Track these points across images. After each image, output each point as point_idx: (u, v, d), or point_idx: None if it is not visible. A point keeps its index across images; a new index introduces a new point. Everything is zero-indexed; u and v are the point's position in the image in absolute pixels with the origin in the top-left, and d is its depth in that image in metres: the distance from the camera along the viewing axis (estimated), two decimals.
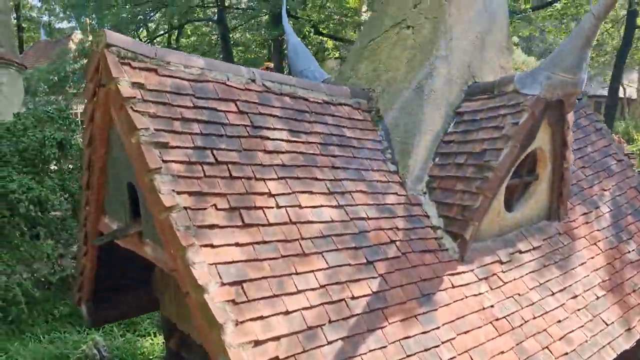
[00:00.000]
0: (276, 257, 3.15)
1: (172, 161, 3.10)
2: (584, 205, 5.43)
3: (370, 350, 3.10)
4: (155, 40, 28.27)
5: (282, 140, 3.77)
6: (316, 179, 3.74)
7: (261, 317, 2.86)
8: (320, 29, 17.89)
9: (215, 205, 3.11)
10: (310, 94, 4.29)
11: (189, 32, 30.92)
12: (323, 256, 3.35)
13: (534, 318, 4.11)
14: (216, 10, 22.03)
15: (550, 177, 4.76)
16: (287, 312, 2.97)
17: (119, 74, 3.17)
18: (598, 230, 5.29)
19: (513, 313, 4.03)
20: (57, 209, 8.88)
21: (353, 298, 3.28)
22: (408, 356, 3.22)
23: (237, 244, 3.05)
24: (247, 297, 2.88)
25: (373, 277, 3.48)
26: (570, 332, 4.17)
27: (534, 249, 4.64)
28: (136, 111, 3.12)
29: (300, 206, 3.50)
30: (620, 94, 25.85)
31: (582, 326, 4.33)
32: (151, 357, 7.95)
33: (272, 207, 3.36)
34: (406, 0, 4.81)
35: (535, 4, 17.77)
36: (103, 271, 4.69)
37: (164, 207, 2.89)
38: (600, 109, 27.74)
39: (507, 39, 5.07)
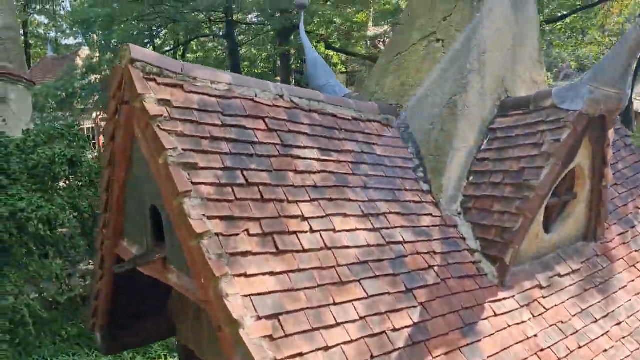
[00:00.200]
0: (313, 287, 2.92)
1: (202, 183, 2.89)
2: (619, 225, 5.19)
3: None
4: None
5: (313, 159, 3.57)
6: (349, 200, 3.53)
7: (300, 354, 2.62)
8: (331, 44, 17.83)
9: (247, 230, 2.90)
10: (339, 110, 4.09)
11: (194, 48, 31.03)
12: (361, 284, 3.12)
13: (579, 347, 3.85)
14: (222, 26, 22.12)
15: (589, 196, 4.53)
16: (327, 348, 2.73)
17: (145, 90, 2.98)
18: (636, 251, 5.04)
19: (557, 342, 3.78)
20: (66, 226, 8.67)
21: (394, 330, 3.04)
22: None
23: (271, 273, 2.82)
24: (284, 331, 2.65)
25: (413, 307, 3.24)
26: None
27: (573, 272, 4.40)
28: (163, 130, 2.93)
29: (334, 230, 3.28)
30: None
31: (629, 355, 4.07)
32: None
33: (306, 232, 3.14)
34: (435, 12, 4.64)
35: (546, 17, 17.70)
36: (119, 295, 4.47)
37: (195, 233, 2.67)
38: None
39: (539, 52, 4.88)
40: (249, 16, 23.12)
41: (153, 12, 12.22)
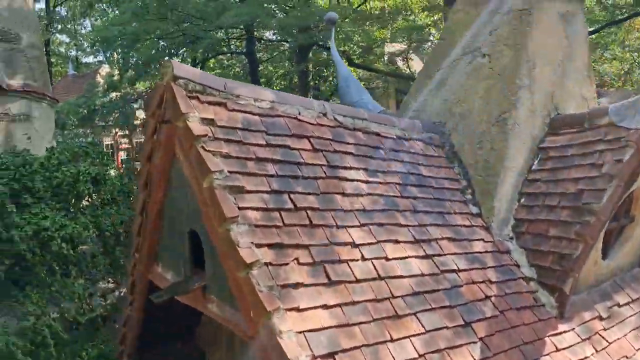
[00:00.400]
0: (368, 321, 2.68)
1: (249, 208, 2.69)
2: None
3: None
4: None
5: (360, 181, 3.36)
6: (400, 225, 3.30)
7: None
8: (355, 60, 17.72)
9: (297, 259, 2.68)
10: (383, 129, 3.89)
11: (211, 65, 31.26)
12: (417, 317, 2.88)
13: None
14: (240, 43, 22.16)
15: None
16: None
17: (188, 109, 2.81)
18: None
19: None
20: (88, 245, 8.53)
21: None
22: None
23: (325, 306, 2.60)
24: None
25: (473, 342, 2.98)
26: None
27: (632, 301, 4.10)
28: (208, 151, 2.74)
29: (387, 258, 3.05)
30: None
31: None
32: None
33: (358, 260, 2.92)
34: (479, 27, 4.44)
35: None
36: (147, 318, 4.26)
37: (244, 263, 2.46)
38: None
39: (588, 67, 4.64)
40: (267, 33, 23.22)
41: (177, 30, 12.24)
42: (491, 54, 4.29)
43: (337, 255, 2.85)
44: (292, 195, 2.92)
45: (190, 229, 3.15)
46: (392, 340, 2.69)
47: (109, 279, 10.33)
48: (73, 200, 8.61)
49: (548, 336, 3.37)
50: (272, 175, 2.93)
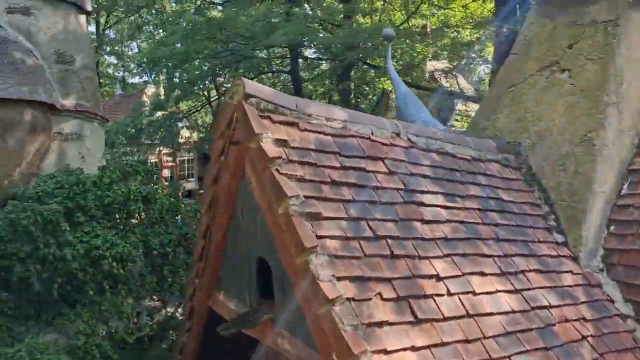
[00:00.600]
0: None
1: (327, 237, 2.48)
2: None
3: None
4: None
5: (439, 206, 3.10)
6: (484, 255, 3.01)
7: None
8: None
9: (380, 294, 2.44)
10: (458, 150, 3.63)
11: None
12: None
13: None
14: (279, 62, 22.29)
15: None
16: None
17: (262, 129, 2.64)
18: None
19: None
20: (137, 264, 8.51)
21: None
22: None
23: (413, 348, 2.34)
24: None
25: None
26: None
27: None
28: (282, 174, 2.55)
29: (474, 292, 2.76)
30: None
31: None
32: None
33: (443, 295, 2.65)
34: (557, 40, 4.14)
35: None
36: (204, 347, 4.08)
37: (326, 298, 2.24)
38: None
39: None
40: (309, 51, 23.33)
41: (226, 50, 12.36)
42: (572, 69, 3.98)
43: (422, 290, 2.59)
44: (370, 222, 2.69)
45: (258, 256, 2.96)
46: None
47: (154, 297, 10.32)
48: (124, 220, 8.65)
49: None
50: (348, 201, 2.72)
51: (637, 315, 3.33)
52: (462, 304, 2.66)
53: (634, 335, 3.23)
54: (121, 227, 8.65)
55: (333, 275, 2.34)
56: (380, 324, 2.33)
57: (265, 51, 18.28)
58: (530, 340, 2.74)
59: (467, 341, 2.52)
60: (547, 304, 2.99)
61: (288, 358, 2.79)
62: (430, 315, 2.51)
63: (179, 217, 9.76)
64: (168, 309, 9.79)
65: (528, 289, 3.01)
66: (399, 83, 6.02)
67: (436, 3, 21.94)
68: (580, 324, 3.04)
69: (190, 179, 28.56)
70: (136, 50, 39.82)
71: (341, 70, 16.38)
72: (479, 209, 3.29)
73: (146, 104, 21.83)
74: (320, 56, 15.59)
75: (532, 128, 4.09)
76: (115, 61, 40.87)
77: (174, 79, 18.89)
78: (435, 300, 2.59)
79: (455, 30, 21.69)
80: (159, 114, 18.61)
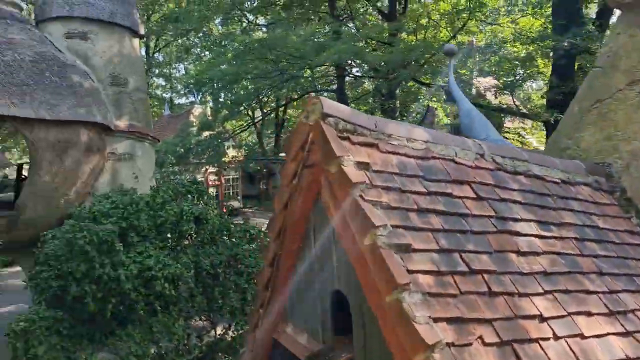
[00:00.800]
0: None
1: (419, 271, 2.22)
2: None
3: None
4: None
5: (534, 235, 2.79)
6: (588, 291, 2.67)
7: None
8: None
9: (481, 338, 2.15)
10: (545, 172, 3.31)
11: (295, 105, 31.89)
12: None
13: None
14: (322, 81, 22.32)
15: None
16: None
17: (343, 151, 2.42)
18: None
19: None
20: (189, 285, 8.44)
21: None
22: None
23: None
24: None
25: None
26: None
27: None
28: (367, 201, 2.32)
29: (582, 335, 2.42)
30: None
31: None
32: None
33: (549, 338, 2.33)
34: None
35: None
36: None
37: (425, 344, 1.97)
38: None
39: None
40: (354, 69, 23.28)
41: (276, 69, 12.40)
42: None
43: (525, 333, 2.28)
44: (463, 255, 2.42)
45: (334, 288, 2.72)
46: None
47: (202, 317, 10.23)
48: (175, 239, 8.63)
49: None
50: (438, 230, 2.45)
51: None
52: (571, 349, 2.33)
53: None
54: (173, 247, 8.63)
55: (429, 317, 2.07)
56: None
57: (309, 71, 18.35)
58: None
59: None
60: None
61: None
62: None
63: (229, 236, 9.67)
64: (217, 331, 9.67)
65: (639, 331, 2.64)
66: (463, 99, 5.72)
67: (484, 19, 21.51)
68: None
69: (236, 198, 28.84)
70: (183, 72, 41.05)
71: (387, 89, 16.19)
72: (575, 239, 2.96)
73: (194, 124, 22.28)
74: (370, 74, 15.40)
75: (624, 147, 3.72)
76: (163, 83, 42.22)
77: (220, 99, 19.20)
78: (541, 345, 2.28)
79: (503, 47, 21.14)
80: (206, 133, 18.90)
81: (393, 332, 2.15)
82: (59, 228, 8.17)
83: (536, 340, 2.28)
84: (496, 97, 21.82)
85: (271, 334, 3.48)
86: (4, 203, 15.44)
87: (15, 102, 11.66)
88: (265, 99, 29.30)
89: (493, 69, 20.18)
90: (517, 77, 17.79)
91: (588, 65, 10.59)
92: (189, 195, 9.11)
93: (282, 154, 33.08)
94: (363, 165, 2.47)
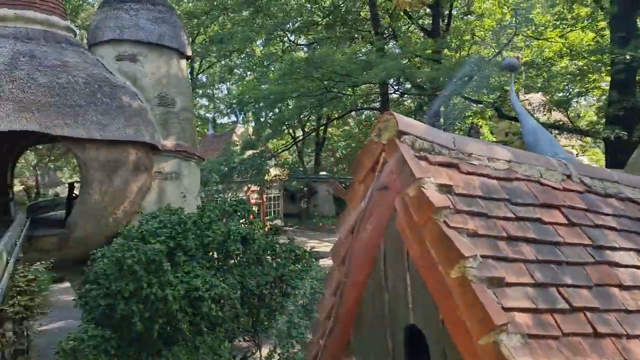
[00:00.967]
0: None
1: (515, 309, 1.95)
2: None
3: None
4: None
5: (635, 267, 2.46)
6: None
7: None
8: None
9: None
10: (637, 193, 2.97)
11: (335, 123, 31.86)
12: None
13: None
14: (360, 99, 22.22)
15: None
16: None
17: (423, 173, 2.20)
18: None
19: None
20: (236, 307, 8.30)
21: None
22: None
23: None
24: None
25: None
26: None
27: None
28: (452, 228, 2.08)
29: None
30: None
31: None
32: None
33: None
34: None
35: None
36: None
37: None
38: None
39: None
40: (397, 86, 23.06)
41: (322, 88, 12.35)
42: None
43: None
44: (561, 289, 2.13)
45: (408, 323, 2.47)
46: None
47: (246, 337, 10.07)
48: (222, 259, 8.55)
49: None
50: (531, 261, 2.18)
51: None
52: None
53: None
54: (219, 267, 8.55)
55: None
56: None
57: (350, 89, 18.31)
58: None
59: None
60: None
61: None
62: None
63: (275, 256, 9.53)
64: (263, 353, 9.48)
65: None
66: (526, 116, 5.38)
67: (530, 34, 20.95)
68: None
69: (277, 216, 28.87)
70: (225, 92, 41.89)
71: (429, 106, 15.90)
72: None
73: (237, 143, 22.52)
74: (413, 91, 15.16)
75: None
76: (206, 103, 43.19)
77: (262, 119, 19.34)
78: None
79: (552, 62, 20.45)
80: (249, 152, 19.05)
81: None
82: (108, 247, 8.23)
83: None
84: (544, 114, 21.09)
85: None
86: (56, 221, 15.93)
87: (69, 123, 12.03)
88: (307, 118, 29.45)
89: (540, 85, 19.54)
90: (570, 93, 17.12)
91: None
92: (236, 215, 9.04)
93: (323, 173, 33.06)
94: (445, 188, 2.24)
